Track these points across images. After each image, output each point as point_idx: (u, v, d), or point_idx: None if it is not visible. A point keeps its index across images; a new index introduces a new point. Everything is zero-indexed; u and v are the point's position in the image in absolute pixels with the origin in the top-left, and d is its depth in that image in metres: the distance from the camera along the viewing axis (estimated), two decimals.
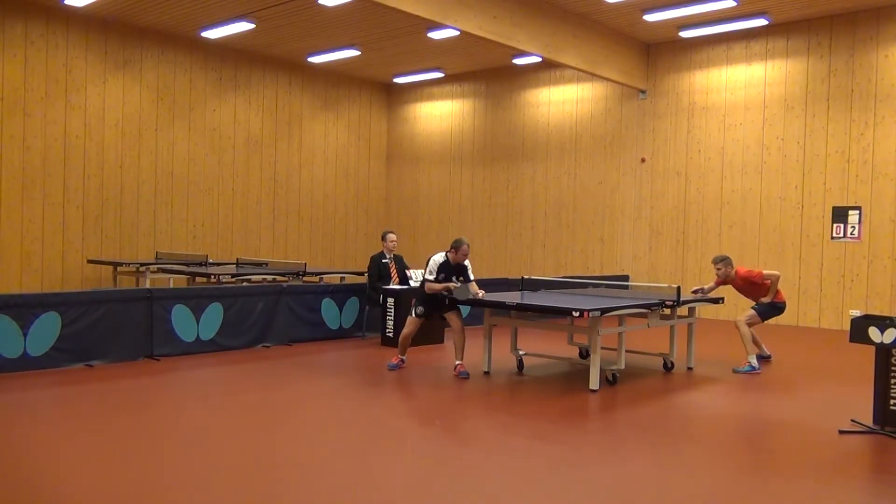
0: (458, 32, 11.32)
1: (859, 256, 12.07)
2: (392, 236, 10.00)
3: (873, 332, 5.41)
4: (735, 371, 8.12)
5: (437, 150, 17.93)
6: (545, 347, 8.93)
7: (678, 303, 7.69)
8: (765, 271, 8.68)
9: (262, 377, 7.44)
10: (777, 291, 8.55)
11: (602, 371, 7.16)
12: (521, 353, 8.05)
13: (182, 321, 8.32)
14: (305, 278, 11.24)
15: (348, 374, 7.74)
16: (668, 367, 8.22)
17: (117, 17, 13.68)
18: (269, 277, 10.94)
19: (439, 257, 7.57)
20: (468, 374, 7.50)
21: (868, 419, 5.79)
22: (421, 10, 10.10)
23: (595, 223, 15.18)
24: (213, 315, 8.60)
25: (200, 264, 11.96)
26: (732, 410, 6.57)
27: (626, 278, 14.09)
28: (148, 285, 11.89)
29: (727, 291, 8.86)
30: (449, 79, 17.50)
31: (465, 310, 10.94)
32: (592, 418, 6.25)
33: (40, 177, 13.16)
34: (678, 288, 7.81)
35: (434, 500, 4.19)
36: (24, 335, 7.16)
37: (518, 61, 15.38)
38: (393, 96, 18.82)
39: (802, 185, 12.62)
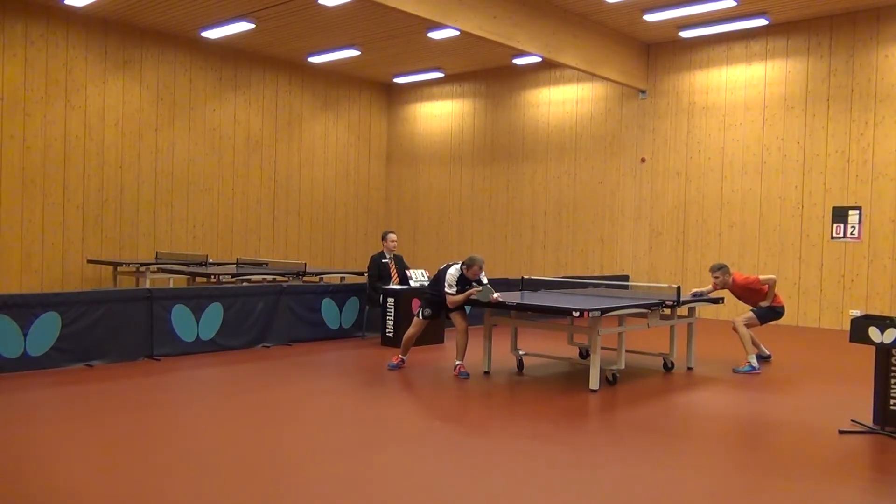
0: (458, 32, 11.33)
1: (859, 256, 12.07)
2: (392, 236, 10.00)
3: (873, 332, 5.41)
4: (735, 371, 8.13)
5: (437, 150, 17.93)
6: (545, 347, 8.93)
7: (678, 303, 7.69)
8: (761, 277, 8.69)
9: (262, 377, 7.44)
10: (775, 296, 8.57)
11: (602, 371, 7.16)
12: (521, 353, 8.05)
13: (182, 321, 8.32)
14: (305, 278, 11.23)
15: (348, 375, 7.74)
16: (668, 367, 8.22)
17: (117, 17, 13.69)
18: (269, 277, 10.94)
19: (455, 271, 7.51)
20: (468, 375, 7.50)
21: (868, 419, 5.79)
22: (421, 10, 10.10)
23: (595, 223, 15.18)
24: (213, 315, 8.60)
25: (200, 264, 11.96)
26: (732, 410, 6.57)
27: (626, 278, 14.09)
28: (148, 285, 11.89)
29: (727, 292, 8.86)
30: (449, 79, 17.50)
31: (466, 309, 10.95)
32: (592, 418, 6.25)
33: (40, 177, 13.17)
34: (678, 288, 7.81)
35: (434, 499, 4.19)
36: (24, 335, 7.16)
37: (518, 61, 15.38)
38: (393, 96, 18.82)
39: (802, 185, 12.62)
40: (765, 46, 13.05)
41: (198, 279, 10.56)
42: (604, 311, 6.78)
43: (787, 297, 12.62)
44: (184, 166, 15.05)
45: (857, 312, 6.10)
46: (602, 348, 7.06)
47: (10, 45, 12.69)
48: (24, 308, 7.18)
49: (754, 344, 8.52)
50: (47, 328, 7.31)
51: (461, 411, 6.34)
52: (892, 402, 5.60)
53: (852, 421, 5.87)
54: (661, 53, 14.25)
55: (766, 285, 8.53)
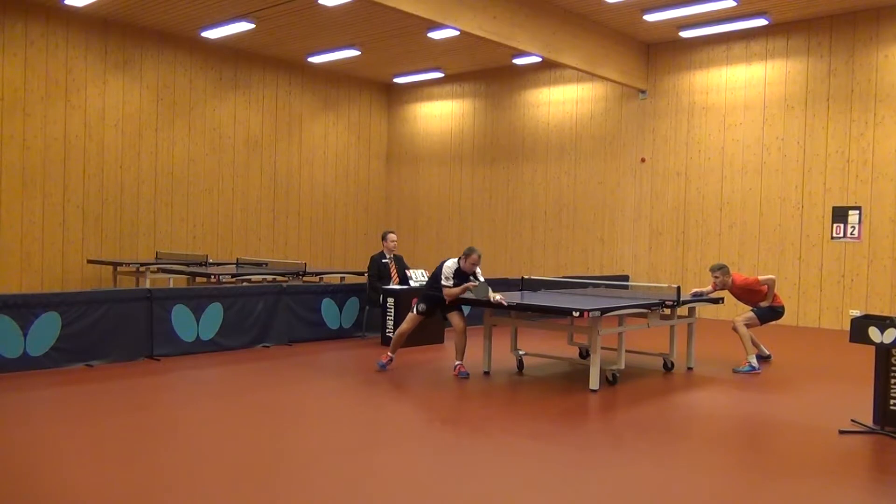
0: (458, 32, 11.33)
1: (859, 256, 12.07)
2: (392, 236, 10.00)
3: (873, 332, 5.41)
4: (735, 371, 8.13)
5: (437, 150, 17.93)
6: (545, 347, 8.93)
7: (678, 303, 7.69)
8: (761, 277, 8.70)
9: (262, 377, 7.44)
10: (775, 296, 8.57)
11: (602, 371, 7.16)
12: (521, 353, 8.05)
13: (182, 321, 8.32)
14: (305, 278, 11.24)
15: (348, 374, 7.74)
16: (668, 367, 8.22)
17: (117, 17, 13.69)
18: (269, 277, 10.94)
19: (452, 263, 7.53)
20: (468, 374, 7.50)
21: (868, 419, 5.79)
22: (421, 10, 10.10)
23: (595, 223, 15.18)
24: (213, 315, 8.61)
25: (200, 264, 11.97)
26: (732, 410, 6.57)
27: (626, 278, 14.09)
28: (148, 285, 11.90)
29: (727, 292, 8.86)
30: (449, 79, 17.50)
31: (464, 310, 10.95)
32: (592, 418, 6.25)
33: (40, 177, 13.17)
34: (678, 288, 7.81)
35: (434, 499, 4.19)
36: (24, 335, 7.16)
37: (518, 61, 15.38)
38: (393, 96, 18.82)
39: (802, 185, 12.62)
40: (765, 46, 13.05)
41: (198, 279, 10.56)
42: (604, 311, 6.78)
43: (787, 297, 12.61)
44: (184, 166, 15.05)
45: (856, 312, 6.10)
46: (602, 348, 7.06)
47: (10, 45, 12.69)
48: (24, 308, 7.18)
49: (754, 344, 8.52)
50: (47, 328, 7.31)
51: (461, 411, 6.34)
52: (892, 402, 5.60)
53: (852, 421, 5.87)
54: (661, 53, 14.25)
55: (766, 286, 8.54)
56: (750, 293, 8.60)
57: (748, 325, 8.38)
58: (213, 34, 14.10)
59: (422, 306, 7.71)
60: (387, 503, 4.11)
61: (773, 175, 12.94)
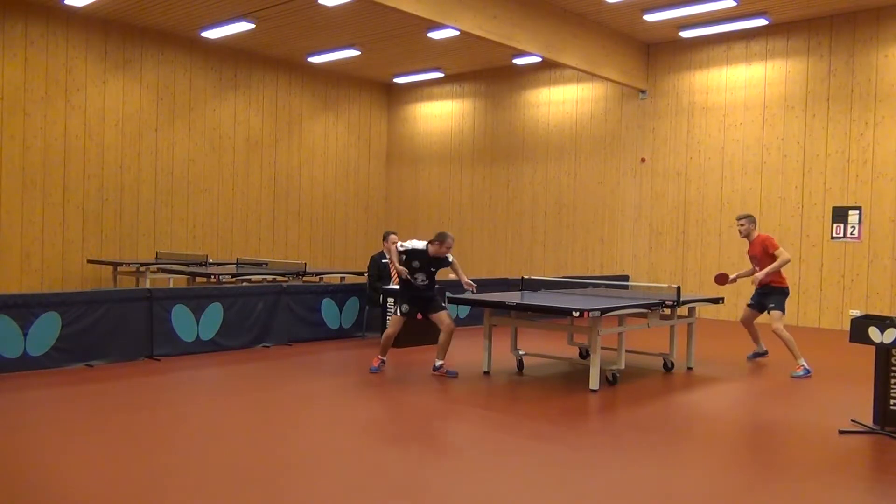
0: (458, 32, 11.33)
1: (859, 256, 12.07)
2: (394, 237, 9.96)
3: (873, 332, 5.41)
4: (793, 376, 7.95)
5: (437, 150, 17.93)
6: (545, 347, 8.93)
7: (678, 303, 7.69)
8: (780, 248, 8.51)
9: (262, 377, 7.44)
10: (783, 277, 8.44)
11: (602, 371, 7.16)
12: (521, 353, 8.04)
13: (182, 321, 8.32)
14: (305, 278, 11.24)
15: (348, 374, 7.73)
16: (668, 367, 8.22)
17: (117, 17, 13.69)
18: (269, 277, 10.94)
19: (418, 243, 7.36)
20: (457, 373, 7.45)
21: (868, 419, 5.79)
22: (421, 10, 10.10)
23: (595, 223, 15.18)
24: (213, 315, 8.61)
25: (200, 264, 11.97)
26: (732, 410, 6.57)
27: (626, 278, 14.09)
28: (148, 285, 11.90)
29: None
30: (449, 79, 17.50)
31: (464, 310, 10.98)
32: (592, 418, 6.25)
33: (40, 177, 13.17)
34: (678, 288, 7.81)
35: (434, 500, 4.19)
36: (24, 335, 7.16)
37: (518, 61, 15.38)
38: (393, 96, 18.82)
39: (802, 186, 12.62)
40: (765, 46, 13.05)
41: (198, 279, 10.56)
42: (604, 311, 6.78)
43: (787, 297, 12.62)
44: (184, 166, 15.05)
45: (856, 312, 6.08)
46: (602, 348, 7.06)
47: (10, 45, 12.69)
48: (24, 308, 7.18)
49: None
50: (47, 328, 7.31)
51: (461, 411, 6.34)
52: (892, 402, 5.60)
53: (852, 421, 5.87)
54: (661, 53, 14.25)
55: (779, 257, 8.35)
56: (764, 255, 8.41)
57: (776, 327, 8.12)
58: (213, 34, 14.10)
59: (405, 307, 7.51)
60: (387, 503, 4.11)
61: (774, 175, 12.93)
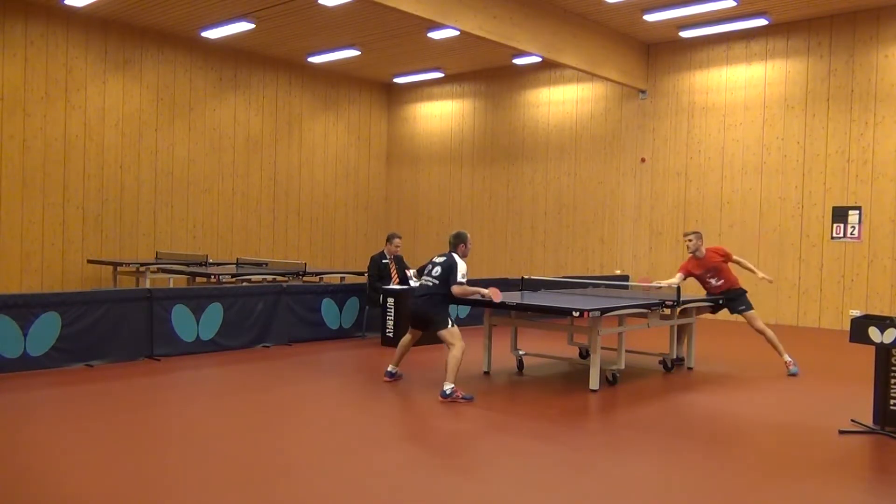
0: (458, 32, 11.33)
1: (859, 256, 12.07)
2: (398, 241, 9.95)
3: (873, 332, 5.41)
4: (790, 374, 7.96)
5: (437, 150, 17.93)
6: (545, 347, 8.93)
7: (678, 303, 7.69)
8: (736, 256, 8.45)
9: (262, 377, 7.44)
10: (735, 277, 8.35)
11: (602, 371, 7.16)
12: (521, 353, 8.05)
13: (182, 321, 8.32)
14: (305, 278, 11.24)
15: (348, 375, 7.74)
16: (667, 368, 8.22)
17: (117, 17, 13.69)
18: (269, 277, 10.94)
19: (458, 259, 6.96)
20: (472, 397, 6.63)
21: (868, 419, 5.79)
22: (421, 10, 10.10)
23: (595, 223, 15.18)
24: (213, 315, 8.60)
25: (200, 264, 11.97)
26: (732, 410, 6.56)
27: (626, 278, 14.08)
28: (148, 285, 11.89)
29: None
30: (449, 79, 17.49)
31: (464, 310, 10.93)
32: (592, 418, 6.25)
33: (40, 177, 13.16)
34: (678, 288, 7.81)
35: (434, 499, 4.18)
36: (24, 335, 7.15)
37: (518, 61, 15.38)
38: (393, 96, 18.82)
39: (802, 185, 12.62)
40: (765, 46, 13.05)
41: (198, 279, 10.56)
42: (604, 311, 6.78)
43: (787, 297, 12.64)
44: (184, 166, 15.05)
45: (856, 312, 6.07)
46: (602, 348, 7.06)
47: (10, 45, 12.68)
48: (24, 308, 7.18)
49: (769, 335, 8.22)
50: (47, 328, 7.31)
51: (461, 411, 6.33)
52: (892, 402, 5.60)
53: (852, 421, 5.87)
54: (661, 53, 14.25)
55: (740, 258, 8.26)
56: (724, 262, 8.26)
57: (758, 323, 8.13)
58: (212, 34, 14.10)
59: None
60: (387, 503, 4.11)
61: (773, 175, 12.93)
